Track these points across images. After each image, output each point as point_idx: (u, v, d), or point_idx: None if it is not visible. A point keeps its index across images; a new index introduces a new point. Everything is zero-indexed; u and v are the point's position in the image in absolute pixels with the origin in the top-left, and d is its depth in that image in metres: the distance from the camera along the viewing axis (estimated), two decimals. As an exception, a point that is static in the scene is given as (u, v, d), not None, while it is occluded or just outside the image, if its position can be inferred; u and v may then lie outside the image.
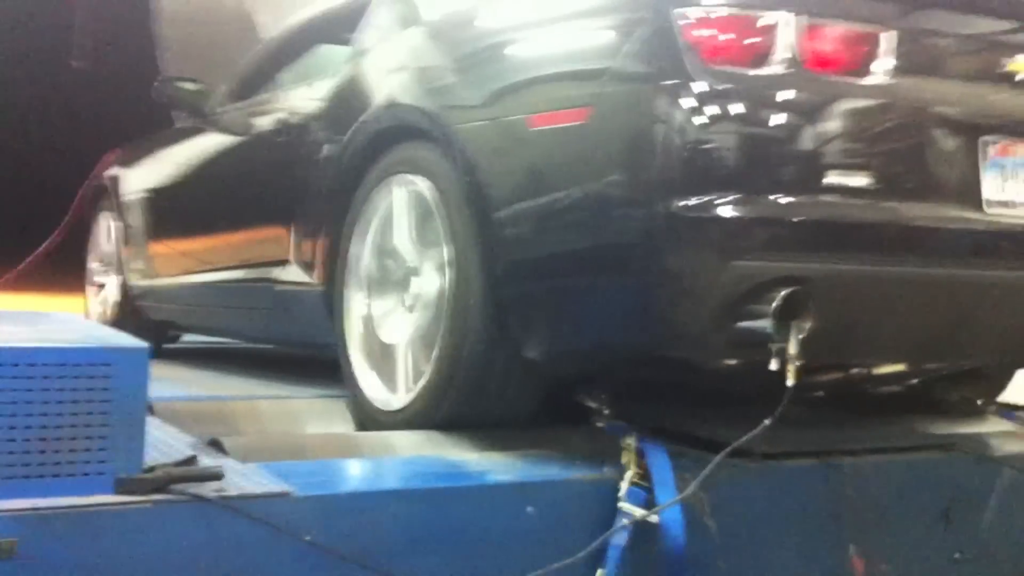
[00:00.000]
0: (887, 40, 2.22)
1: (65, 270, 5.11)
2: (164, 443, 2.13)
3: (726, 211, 2.06)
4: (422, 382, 2.49)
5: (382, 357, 2.67)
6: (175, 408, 2.63)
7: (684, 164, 2.06)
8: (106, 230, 4.67)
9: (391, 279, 2.72)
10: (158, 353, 3.81)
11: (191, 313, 4.03)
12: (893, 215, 2.20)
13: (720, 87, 2.08)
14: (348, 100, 3.01)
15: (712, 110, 2.07)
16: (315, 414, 2.78)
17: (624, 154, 2.12)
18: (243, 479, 1.91)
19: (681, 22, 2.10)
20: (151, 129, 4.66)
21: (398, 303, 2.68)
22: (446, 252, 2.46)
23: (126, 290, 4.38)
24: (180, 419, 2.53)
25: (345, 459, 2.27)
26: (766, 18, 2.13)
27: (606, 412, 2.48)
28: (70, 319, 2.46)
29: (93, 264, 4.84)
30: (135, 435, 1.80)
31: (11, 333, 1.91)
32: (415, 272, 2.62)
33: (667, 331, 2.15)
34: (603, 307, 2.21)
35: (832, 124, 2.15)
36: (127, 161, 4.56)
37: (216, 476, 1.84)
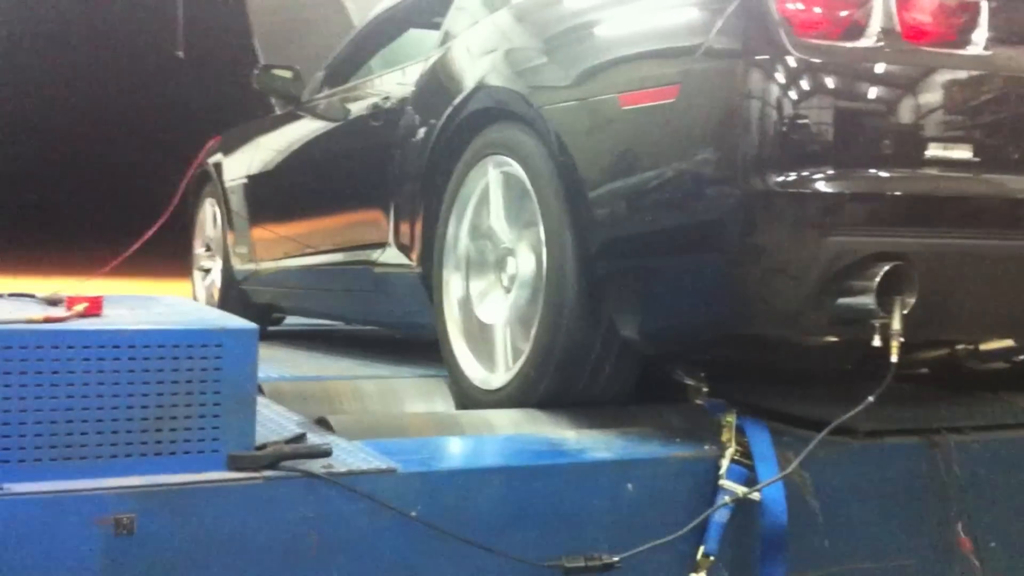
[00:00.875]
0: (985, 9, 2.17)
1: (170, 256, 5.26)
2: (273, 421, 2.20)
3: (823, 186, 2.04)
4: (520, 361, 2.52)
5: (480, 337, 2.71)
6: (282, 388, 2.70)
7: (779, 139, 2.04)
8: (211, 216, 4.80)
9: (488, 260, 2.75)
10: (263, 335, 3.93)
11: (294, 296, 4.13)
12: (996, 188, 2.15)
13: (815, 60, 2.06)
14: (440, 83, 3.05)
15: (807, 84, 2.05)
16: (415, 393, 2.83)
17: (716, 131, 2.11)
18: (350, 456, 1.96)
19: None
20: (252, 116, 4.77)
21: (495, 283, 2.71)
22: (541, 232, 2.49)
23: (231, 274, 4.50)
24: (287, 399, 2.61)
25: (447, 437, 2.31)
26: None
27: (705, 390, 2.47)
28: (180, 302, 2.55)
29: (199, 249, 4.98)
30: (246, 413, 1.86)
31: (126, 316, 1.99)
32: (511, 252, 2.65)
33: (764, 309, 2.13)
34: (698, 285, 2.20)
35: (930, 96, 2.11)
36: (229, 148, 4.68)
37: (325, 453, 1.90)
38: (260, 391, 2.61)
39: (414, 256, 3.04)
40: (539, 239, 2.49)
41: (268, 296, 4.28)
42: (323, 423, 2.28)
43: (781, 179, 2.03)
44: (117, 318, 1.95)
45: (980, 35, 2.16)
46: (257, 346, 1.90)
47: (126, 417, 1.78)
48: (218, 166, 4.68)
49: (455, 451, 2.23)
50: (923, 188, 2.09)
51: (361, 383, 2.83)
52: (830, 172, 2.04)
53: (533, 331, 2.49)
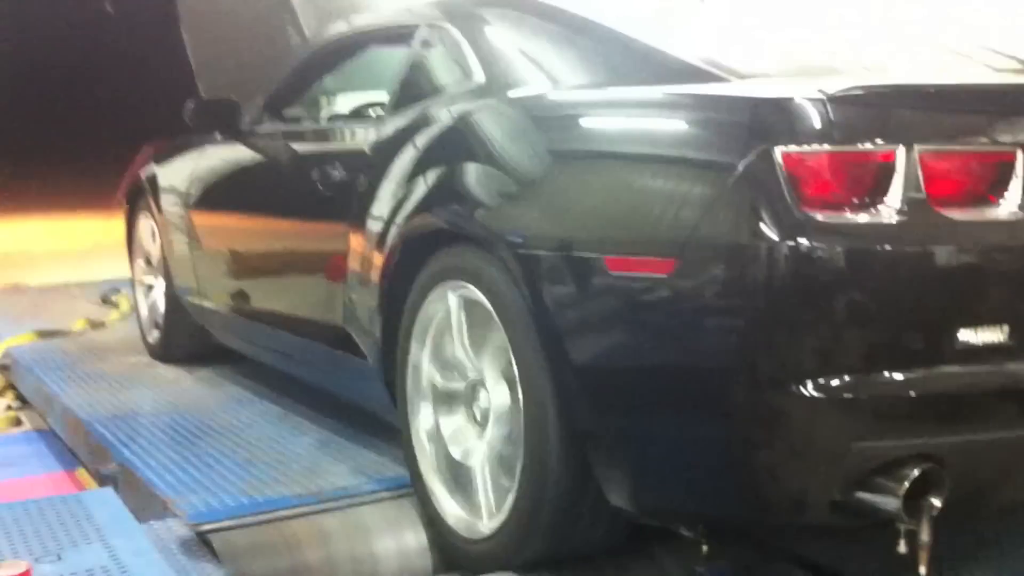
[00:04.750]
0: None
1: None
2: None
3: (845, 391, 1.76)
4: (508, 502, 2.24)
5: (458, 476, 2.44)
6: (232, 539, 2.44)
7: (795, 339, 1.76)
8: (148, 231, 4.46)
9: (456, 392, 2.47)
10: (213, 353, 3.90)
11: (246, 344, 3.83)
12: None
13: (829, 243, 1.75)
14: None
15: (826, 269, 1.75)
16: (383, 524, 2.55)
17: (717, 325, 1.82)
18: None
19: (782, 163, 1.77)
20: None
21: (468, 418, 2.44)
22: (515, 368, 2.19)
23: (175, 298, 4.19)
24: (238, 552, 2.38)
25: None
26: (877, 155, 1.79)
27: (704, 548, 2.23)
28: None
29: (139, 260, 4.65)
30: None
31: None
32: (481, 384, 2.37)
33: (774, 503, 1.88)
34: (703, 471, 1.94)
35: (962, 273, 1.82)
36: (163, 160, 4.29)
37: None
38: (210, 546, 2.38)
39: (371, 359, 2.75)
40: (513, 374, 2.20)
41: (224, 339, 3.99)
42: None
43: (797, 387, 1.76)
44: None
45: (1012, 199, 1.87)
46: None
47: None
48: (152, 181, 4.29)
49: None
50: (954, 384, 1.81)
51: (323, 520, 2.55)
52: (849, 375, 1.77)
53: (516, 478, 2.21)
